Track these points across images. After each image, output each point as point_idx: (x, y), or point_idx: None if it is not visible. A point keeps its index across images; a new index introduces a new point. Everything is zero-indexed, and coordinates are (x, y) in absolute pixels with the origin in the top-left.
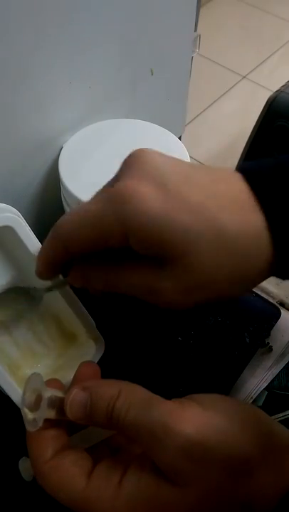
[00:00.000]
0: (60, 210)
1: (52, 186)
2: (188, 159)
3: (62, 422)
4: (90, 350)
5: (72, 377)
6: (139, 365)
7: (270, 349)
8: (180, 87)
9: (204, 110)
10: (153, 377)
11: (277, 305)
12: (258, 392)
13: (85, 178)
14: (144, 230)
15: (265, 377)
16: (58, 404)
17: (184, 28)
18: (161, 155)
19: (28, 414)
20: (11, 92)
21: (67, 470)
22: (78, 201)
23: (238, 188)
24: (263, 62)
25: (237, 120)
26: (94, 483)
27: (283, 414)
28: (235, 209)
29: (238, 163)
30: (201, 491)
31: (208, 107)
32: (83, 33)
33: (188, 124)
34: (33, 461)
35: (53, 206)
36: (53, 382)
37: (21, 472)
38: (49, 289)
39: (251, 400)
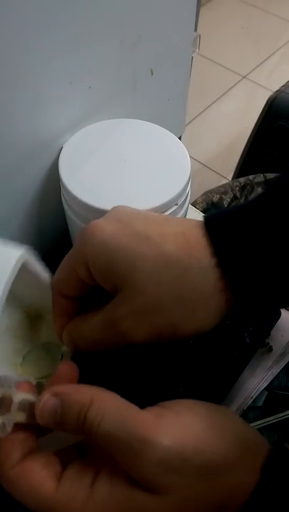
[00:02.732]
0: (60, 210)
1: (52, 186)
2: (188, 159)
3: (31, 424)
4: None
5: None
6: (139, 365)
7: (270, 349)
8: (180, 87)
9: (204, 110)
10: (153, 376)
11: None
12: (258, 392)
13: (85, 178)
14: (97, 255)
15: (265, 377)
16: (29, 408)
17: (184, 28)
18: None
19: None
20: (10, 92)
21: (35, 475)
22: (78, 201)
23: (187, 225)
24: (263, 62)
25: (237, 120)
26: (64, 487)
27: (283, 414)
28: (179, 238)
29: (238, 163)
30: (178, 499)
31: (208, 107)
32: (83, 33)
33: (188, 124)
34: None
35: (53, 206)
36: (24, 385)
37: None
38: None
39: (251, 400)
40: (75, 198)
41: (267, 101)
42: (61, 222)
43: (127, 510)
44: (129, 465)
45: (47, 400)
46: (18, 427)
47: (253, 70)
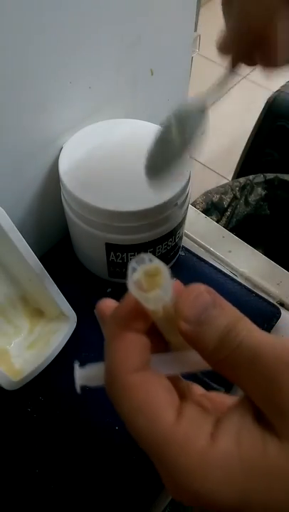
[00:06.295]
0: (60, 210)
1: (52, 186)
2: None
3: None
4: (62, 325)
5: (49, 352)
6: None
7: None
8: (180, 87)
9: None
10: None
11: (277, 305)
12: None
13: (85, 178)
14: None
15: None
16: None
17: (184, 28)
18: None
19: (150, 292)
20: (11, 92)
21: (159, 393)
22: (78, 201)
23: None
24: None
25: (237, 120)
26: (184, 423)
27: None
28: None
29: (238, 163)
30: None
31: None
32: (83, 33)
33: None
34: (116, 367)
35: (53, 206)
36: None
37: (80, 379)
38: None
39: None
40: (75, 198)
41: (267, 101)
42: (61, 222)
43: (258, 467)
44: (273, 378)
45: (204, 293)
46: (139, 330)
47: (253, 70)
